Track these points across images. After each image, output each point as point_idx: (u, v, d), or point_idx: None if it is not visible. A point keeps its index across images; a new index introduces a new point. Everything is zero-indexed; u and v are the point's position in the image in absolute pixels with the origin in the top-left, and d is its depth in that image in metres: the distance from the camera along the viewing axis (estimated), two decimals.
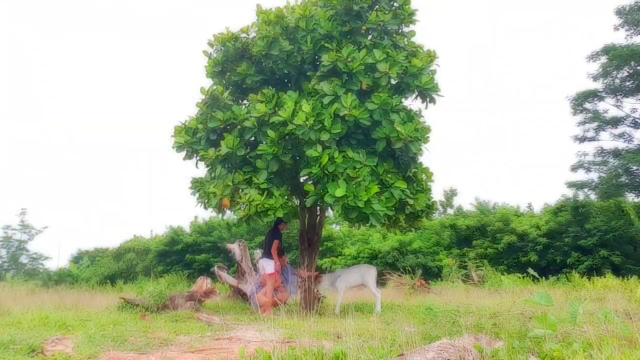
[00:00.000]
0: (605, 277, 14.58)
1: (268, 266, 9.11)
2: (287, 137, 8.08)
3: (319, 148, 7.65)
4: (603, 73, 20.88)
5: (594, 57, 20.94)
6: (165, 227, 27.28)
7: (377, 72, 8.12)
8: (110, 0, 62.91)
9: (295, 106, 7.91)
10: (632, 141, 21.12)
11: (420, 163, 9.02)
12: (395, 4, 8.97)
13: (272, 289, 9.08)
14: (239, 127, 8.59)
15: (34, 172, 54.81)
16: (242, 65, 8.98)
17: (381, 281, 16.21)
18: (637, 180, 19.72)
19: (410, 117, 8.25)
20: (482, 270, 16.18)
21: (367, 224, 8.11)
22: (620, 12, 20.52)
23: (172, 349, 5.39)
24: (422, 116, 8.92)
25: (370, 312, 9.02)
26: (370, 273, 9.54)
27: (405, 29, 9.18)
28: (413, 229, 10.26)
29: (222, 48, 9.23)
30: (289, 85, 9.42)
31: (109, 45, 62.95)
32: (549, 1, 59.42)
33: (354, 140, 8.25)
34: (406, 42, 9.05)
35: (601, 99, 21.44)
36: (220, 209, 8.42)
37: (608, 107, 21.52)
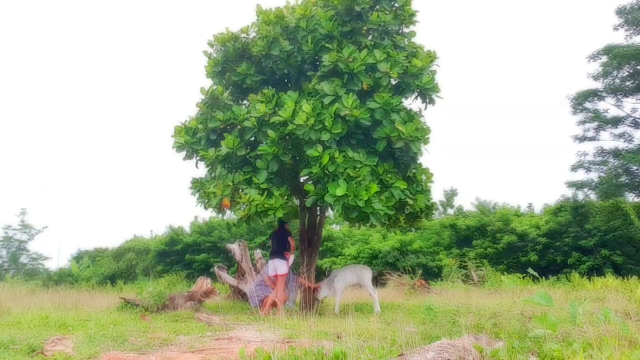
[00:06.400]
0: (605, 277, 14.59)
1: (281, 266, 9.05)
2: (287, 137, 8.08)
3: (320, 148, 7.65)
4: (603, 72, 20.89)
5: (594, 56, 20.95)
6: (165, 227, 27.30)
7: (378, 72, 8.12)
8: (110, 0, 62.92)
9: (296, 106, 7.91)
10: (632, 141, 21.12)
11: (420, 164, 9.02)
12: (396, 5, 8.98)
13: (285, 288, 9.08)
14: (239, 127, 8.59)
15: (34, 172, 54.82)
16: (242, 65, 8.98)
17: (381, 281, 16.23)
18: (637, 180, 19.72)
19: (411, 116, 8.25)
20: (482, 270, 16.18)
21: (367, 224, 8.12)
22: (620, 11, 20.53)
23: (172, 349, 5.39)
24: (422, 116, 8.94)
25: (370, 312, 9.02)
26: (365, 274, 9.52)
27: (406, 30, 9.18)
28: (413, 229, 10.29)
29: (222, 48, 9.24)
30: (289, 85, 9.42)
31: (110, 45, 62.97)
32: (549, 1, 59.43)
33: (354, 140, 8.25)
34: (406, 43, 9.05)
35: (601, 98, 21.44)
36: (220, 209, 8.42)
37: (608, 106, 21.56)
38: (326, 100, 7.98)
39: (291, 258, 9.22)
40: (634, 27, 20.57)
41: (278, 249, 9.20)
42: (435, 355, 3.92)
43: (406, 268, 16.01)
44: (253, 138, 8.52)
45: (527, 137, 54.06)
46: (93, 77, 61.25)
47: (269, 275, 9.47)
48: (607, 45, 20.34)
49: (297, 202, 9.86)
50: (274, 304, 8.99)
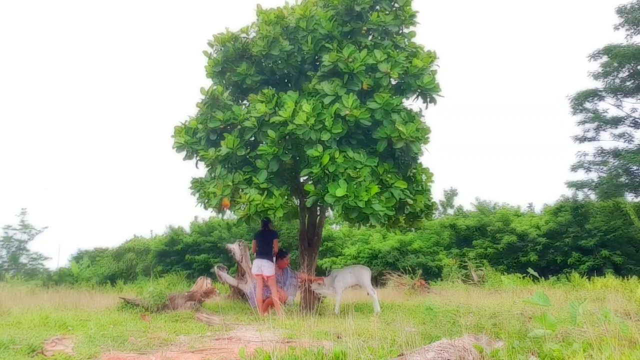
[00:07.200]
0: (605, 277, 14.59)
1: (268, 267, 9.03)
2: (287, 137, 8.08)
3: (320, 148, 7.64)
4: (603, 72, 20.88)
5: (595, 56, 20.93)
6: (165, 227, 27.30)
7: (378, 72, 8.12)
8: (110, 1, 62.90)
9: (296, 106, 7.91)
10: (632, 141, 21.11)
11: (420, 163, 9.01)
12: (396, 5, 8.97)
13: (276, 289, 9.05)
14: (239, 127, 8.59)
15: (34, 172, 54.82)
16: (242, 66, 8.97)
17: (381, 281, 16.23)
18: (637, 180, 19.70)
19: (411, 117, 8.25)
20: (482, 270, 16.18)
21: (367, 224, 8.11)
22: (621, 11, 20.51)
23: (172, 349, 5.39)
24: (423, 116, 8.93)
25: (370, 312, 9.02)
26: (364, 274, 9.50)
27: (406, 30, 9.18)
28: (413, 229, 10.28)
29: (222, 48, 9.23)
30: (289, 85, 9.42)
31: (110, 45, 62.96)
32: (549, 1, 59.42)
33: (354, 140, 8.25)
34: (407, 43, 9.04)
35: (601, 98, 21.42)
36: (220, 209, 8.41)
37: (608, 106, 21.55)
38: (326, 100, 7.98)
39: (272, 264, 9.09)
40: (635, 27, 20.54)
41: (265, 249, 9.12)
42: (435, 355, 3.92)
43: (406, 268, 16.01)
44: (253, 138, 8.52)
45: (527, 137, 54.11)
46: (93, 77, 61.26)
47: (253, 273, 9.38)
48: (608, 45, 20.33)
49: (297, 202, 9.85)
50: (270, 303, 9.00)
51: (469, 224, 20.97)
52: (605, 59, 20.67)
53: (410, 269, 16.00)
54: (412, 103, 8.90)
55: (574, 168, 21.35)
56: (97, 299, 11.53)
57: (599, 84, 21.28)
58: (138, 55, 65.75)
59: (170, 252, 22.96)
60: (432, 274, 18.95)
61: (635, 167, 19.53)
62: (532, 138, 55.61)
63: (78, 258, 26.72)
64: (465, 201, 55.66)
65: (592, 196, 21.15)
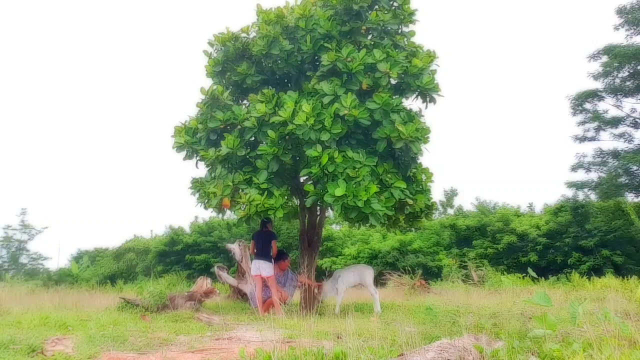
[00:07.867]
0: (605, 277, 14.57)
1: (267, 268, 9.03)
2: (287, 137, 8.08)
3: (319, 148, 7.64)
4: (603, 73, 20.89)
5: (595, 56, 20.94)
6: (165, 227, 27.30)
7: (378, 72, 8.11)
8: (110, 1, 62.91)
9: (295, 106, 7.91)
10: (633, 141, 21.12)
11: (420, 163, 9.01)
12: (395, 4, 8.96)
13: (276, 289, 9.04)
14: (239, 127, 8.59)
15: (34, 172, 54.85)
16: (242, 65, 8.97)
17: (381, 281, 16.22)
18: (637, 180, 19.71)
19: (411, 117, 8.25)
20: (482, 270, 16.16)
21: (367, 224, 8.11)
22: (620, 11, 20.53)
23: (172, 349, 5.38)
24: (423, 116, 8.93)
25: (370, 312, 9.02)
26: (367, 273, 9.53)
27: (405, 29, 9.17)
28: (413, 229, 10.27)
29: (222, 48, 9.23)
30: (289, 85, 9.41)
31: (110, 45, 62.98)
32: (549, 1, 59.42)
33: (353, 140, 8.25)
34: (406, 42, 9.04)
35: (601, 98, 21.44)
36: (220, 209, 8.42)
37: (608, 107, 21.56)
38: (325, 100, 7.97)
39: (270, 265, 9.08)
40: (634, 27, 20.55)
41: (263, 250, 9.11)
42: (435, 355, 3.92)
43: (406, 268, 16.00)
44: (253, 138, 8.51)
45: (527, 137, 54.12)
46: (93, 77, 61.27)
47: (252, 274, 9.40)
48: (608, 45, 20.34)
49: (297, 202, 9.85)
50: (271, 304, 9.00)
51: (469, 224, 20.96)
52: (605, 59, 20.68)
53: (410, 269, 15.97)
54: (412, 103, 8.91)
55: (574, 168, 21.37)
56: (97, 299, 11.53)
57: (598, 84, 21.31)
58: (138, 55, 65.78)
59: (170, 252, 22.96)
60: (432, 274, 18.94)
61: (635, 167, 19.55)
62: (532, 138, 55.66)
63: (78, 258, 26.72)
64: (465, 201, 55.67)
65: (592, 196, 21.16)
